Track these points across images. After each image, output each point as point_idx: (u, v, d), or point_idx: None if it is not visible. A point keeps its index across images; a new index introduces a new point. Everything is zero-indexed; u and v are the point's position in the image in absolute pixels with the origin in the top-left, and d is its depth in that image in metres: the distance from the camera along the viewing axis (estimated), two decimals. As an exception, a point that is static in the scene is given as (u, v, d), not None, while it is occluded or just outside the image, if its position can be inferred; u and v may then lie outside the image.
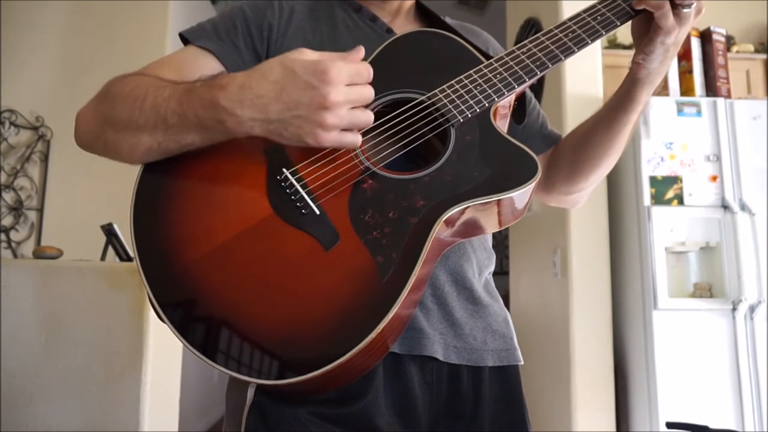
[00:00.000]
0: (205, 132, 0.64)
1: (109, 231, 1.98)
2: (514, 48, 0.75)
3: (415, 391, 0.73)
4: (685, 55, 2.41)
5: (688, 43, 2.39)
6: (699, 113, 2.28)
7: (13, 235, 2.60)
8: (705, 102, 2.29)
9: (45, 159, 2.69)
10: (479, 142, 0.69)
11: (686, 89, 2.37)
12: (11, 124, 2.63)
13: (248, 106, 0.60)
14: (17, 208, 2.62)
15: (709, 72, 2.38)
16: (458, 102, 0.71)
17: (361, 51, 0.63)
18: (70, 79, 2.68)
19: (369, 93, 0.62)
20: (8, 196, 2.62)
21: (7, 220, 2.60)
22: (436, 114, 0.71)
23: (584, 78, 2.43)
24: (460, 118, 0.70)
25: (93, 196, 2.48)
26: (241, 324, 0.60)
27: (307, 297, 0.61)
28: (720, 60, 2.38)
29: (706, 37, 2.41)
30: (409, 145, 0.70)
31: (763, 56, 2.59)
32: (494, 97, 0.71)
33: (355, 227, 0.63)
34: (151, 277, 0.62)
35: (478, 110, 0.71)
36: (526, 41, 0.75)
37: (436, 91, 0.72)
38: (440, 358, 0.74)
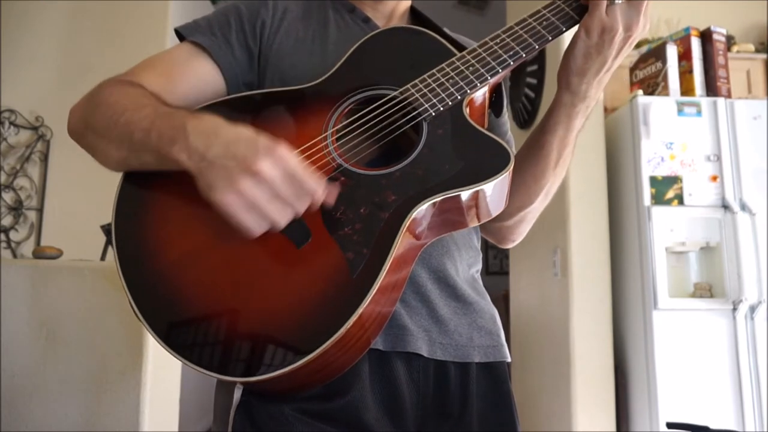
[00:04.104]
0: (157, 155, 0.64)
1: (108, 231, 1.97)
2: (486, 39, 0.74)
3: (402, 388, 0.73)
4: (685, 55, 2.41)
5: (689, 42, 2.39)
6: (699, 113, 2.27)
7: (12, 235, 2.60)
8: (705, 102, 2.29)
9: (45, 159, 2.69)
10: (451, 134, 0.69)
11: (686, 89, 2.37)
12: (11, 124, 2.63)
13: (201, 138, 0.61)
14: (17, 208, 2.61)
15: (709, 72, 2.38)
16: (430, 95, 0.71)
17: (334, 192, 0.62)
18: (70, 79, 2.68)
19: (300, 205, 0.59)
20: (8, 196, 2.62)
21: (7, 220, 2.60)
22: (409, 108, 0.71)
23: (584, 78, 2.42)
24: (431, 111, 0.70)
25: (93, 196, 2.47)
26: (214, 323, 0.61)
27: (279, 295, 0.62)
28: (720, 60, 2.38)
29: (706, 37, 2.41)
30: (381, 140, 0.70)
31: (763, 56, 2.59)
32: (466, 89, 0.71)
33: (327, 224, 0.64)
34: (130, 281, 0.63)
35: (450, 103, 0.70)
36: (498, 31, 0.75)
37: (408, 86, 0.72)
38: (425, 354, 0.74)
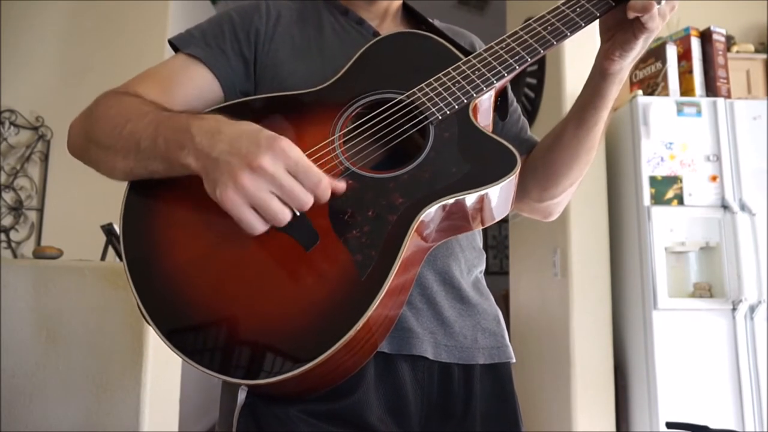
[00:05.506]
0: (166, 162, 0.64)
1: (109, 231, 1.98)
2: (492, 43, 0.75)
3: (407, 389, 0.73)
4: (685, 55, 2.41)
5: (688, 43, 2.39)
6: (699, 113, 2.27)
7: (13, 235, 2.60)
8: (705, 102, 2.29)
9: (45, 159, 2.69)
10: (458, 138, 0.69)
11: (686, 89, 2.37)
12: (11, 124, 2.63)
13: (206, 137, 0.60)
14: (17, 208, 2.62)
15: (709, 72, 2.38)
16: (436, 99, 0.71)
17: (340, 186, 0.61)
18: (70, 79, 2.68)
19: (304, 198, 0.58)
20: (8, 196, 2.62)
21: (7, 220, 2.60)
22: (416, 112, 0.71)
23: (584, 78, 2.42)
24: (438, 115, 0.70)
25: (93, 196, 2.47)
26: (221, 326, 0.61)
27: (287, 298, 0.61)
28: (720, 60, 2.38)
29: (706, 37, 2.41)
30: (388, 144, 0.70)
31: (763, 56, 2.58)
32: (472, 92, 0.71)
33: (335, 227, 0.64)
34: (137, 282, 0.63)
35: (456, 106, 0.71)
36: (504, 36, 0.75)
37: (414, 89, 0.72)
38: (430, 357, 0.74)
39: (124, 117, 0.68)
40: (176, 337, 0.60)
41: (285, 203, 0.58)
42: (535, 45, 0.73)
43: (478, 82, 0.72)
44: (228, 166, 0.57)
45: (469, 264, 0.83)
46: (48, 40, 2.78)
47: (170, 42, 0.83)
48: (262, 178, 0.56)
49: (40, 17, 2.77)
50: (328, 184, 0.59)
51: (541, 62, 2.80)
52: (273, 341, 0.60)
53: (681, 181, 2.22)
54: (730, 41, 2.53)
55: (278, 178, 0.57)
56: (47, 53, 2.77)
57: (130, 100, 0.72)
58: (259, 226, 0.58)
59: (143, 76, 0.80)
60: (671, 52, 2.39)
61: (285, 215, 0.58)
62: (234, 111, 0.76)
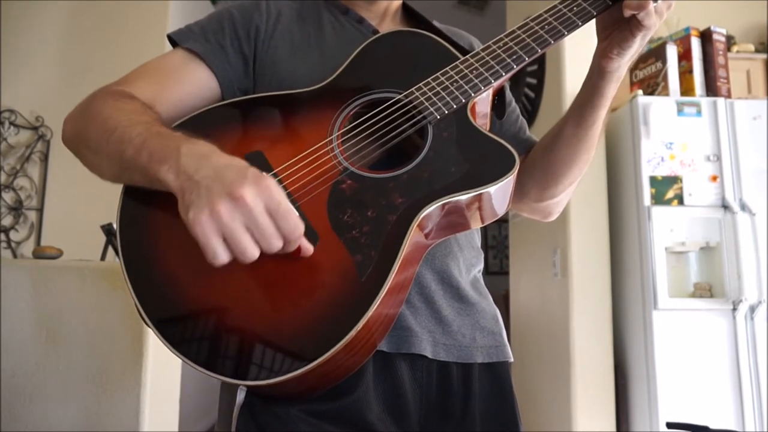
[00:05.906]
0: (145, 175, 0.63)
1: (109, 231, 1.97)
2: (490, 42, 0.75)
3: (406, 388, 0.73)
4: (685, 55, 2.41)
5: (689, 43, 2.39)
6: (699, 113, 2.27)
7: (12, 235, 2.60)
8: (705, 102, 2.29)
9: (45, 159, 2.69)
10: (456, 137, 0.70)
11: (686, 89, 2.37)
12: (11, 124, 2.63)
13: (193, 159, 0.59)
14: (17, 208, 2.61)
15: (709, 72, 2.38)
16: (434, 99, 0.71)
17: (309, 248, 0.61)
18: (70, 79, 2.68)
19: (275, 241, 0.56)
20: (8, 196, 2.62)
21: (7, 220, 2.60)
22: (414, 112, 0.71)
23: (584, 78, 2.42)
24: (436, 114, 0.70)
25: (93, 196, 2.47)
26: (222, 326, 0.61)
27: (287, 298, 0.61)
28: (720, 60, 2.37)
29: (706, 37, 2.41)
30: (387, 144, 0.70)
31: (764, 56, 2.58)
32: (470, 92, 0.71)
33: (335, 227, 0.64)
34: (135, 282, 0.63)
35: (454, 106, 0.71)
36: (501, 35, 0.75)
37: (412, 89, 0.72)
38: (429, 355, 0.75)
39: (114, 123, 0.67)
40: (175, 338, 0.60)
41: (256, 241, 0.56)
42: (533, 44, 0.73)
43: (476, 81, 0.72)
44: (207, 191, 0.55)
45: (468, 263, 0.83)
46: (48, 40, 2.77)
47: (169, 37, 0.82)
48: (239, 209, 0.54)
49: (40, 17, 2.77)
50: (302, 236, 0.58)
51: (541, 62, 2.80)
52: (273, 342, 0.60)
53: (681, 181, 2.22)
54: (730, 41, 2.53)
55: (256, 214, 0.55)
56: (47, 53, 2.77)
57: (123, 106, 0.71)
58: (223, 257, 0.55)
59: (141, 71, 0.79)
60: (671, 52, 2.39)
61: (253, 253, 0.55)
62: (231, 109, 0.75)
